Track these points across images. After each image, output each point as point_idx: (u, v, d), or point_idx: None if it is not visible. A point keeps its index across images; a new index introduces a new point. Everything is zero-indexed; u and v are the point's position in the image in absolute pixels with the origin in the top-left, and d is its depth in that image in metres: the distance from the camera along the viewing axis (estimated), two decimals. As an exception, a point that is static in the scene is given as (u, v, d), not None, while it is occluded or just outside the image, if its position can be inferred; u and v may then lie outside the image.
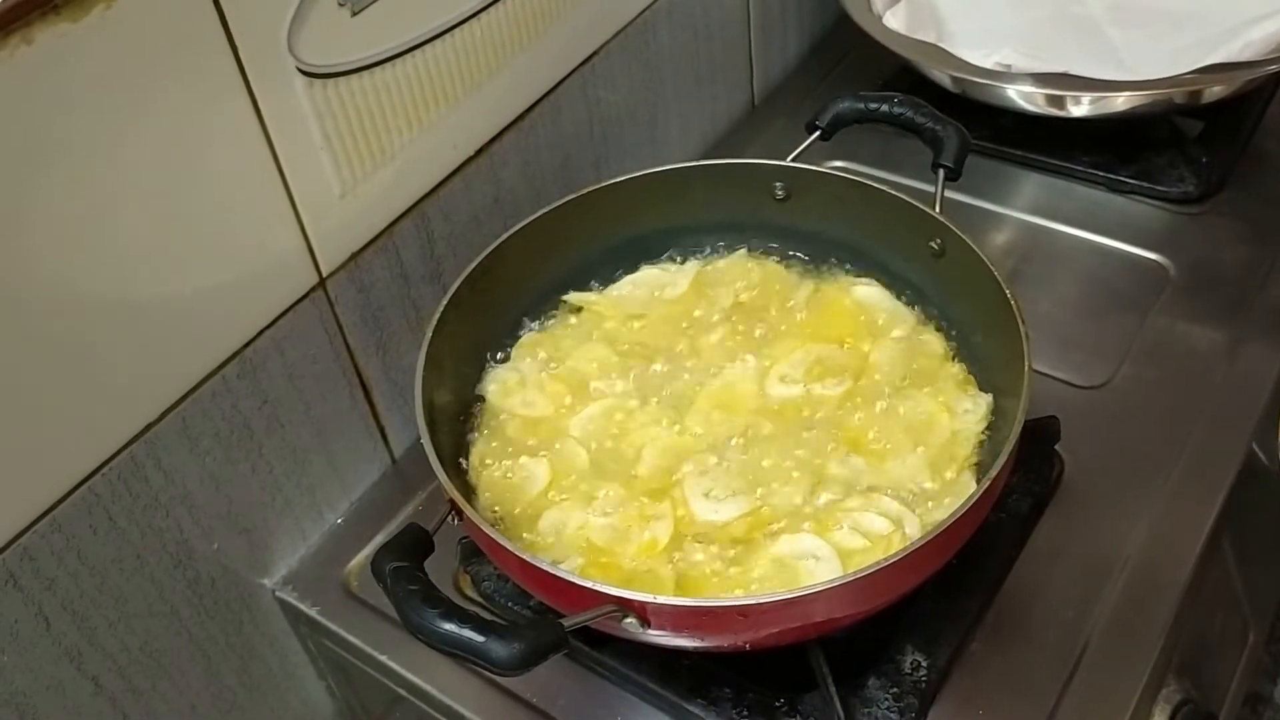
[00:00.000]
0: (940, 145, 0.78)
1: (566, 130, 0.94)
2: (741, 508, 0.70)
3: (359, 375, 0.83)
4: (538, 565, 0.61)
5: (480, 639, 0.54)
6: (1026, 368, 0.66)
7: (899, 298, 0.82)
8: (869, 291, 0.83)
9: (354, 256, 0.78)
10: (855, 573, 0.58)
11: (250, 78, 0.66)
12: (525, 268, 0.81)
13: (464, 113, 0.82)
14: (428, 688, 0.75)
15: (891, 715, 0.68)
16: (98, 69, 0.58)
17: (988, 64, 1.00)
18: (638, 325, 0.83)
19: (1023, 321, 0.68)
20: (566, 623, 0.57)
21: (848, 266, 0.85)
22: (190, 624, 0.76)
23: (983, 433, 0.73)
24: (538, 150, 0.91)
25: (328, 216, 0.75)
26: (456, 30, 0.78)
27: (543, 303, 0.84)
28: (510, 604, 0.76)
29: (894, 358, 0.78)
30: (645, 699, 0.72)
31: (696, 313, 0.83)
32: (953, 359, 0.78)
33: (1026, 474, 0.78)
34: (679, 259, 0.87)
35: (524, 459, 0.75)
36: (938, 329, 0.80)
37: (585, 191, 0.81)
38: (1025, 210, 1.02)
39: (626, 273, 0.86)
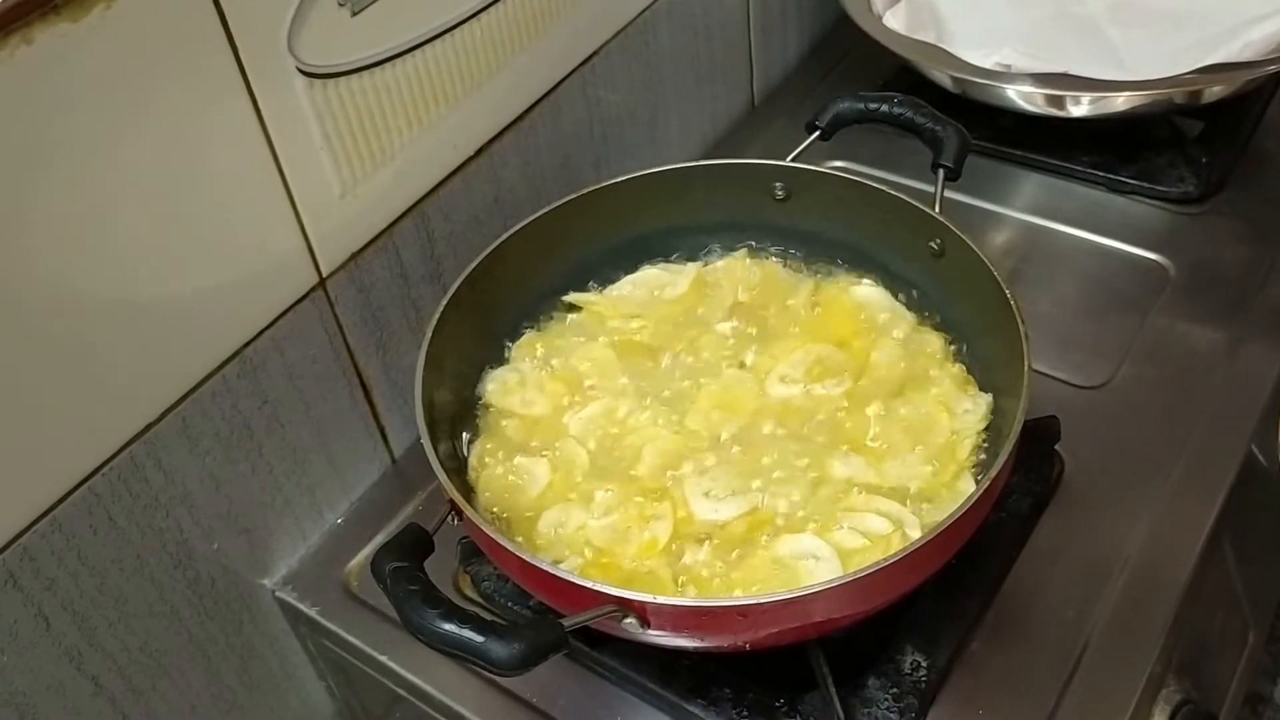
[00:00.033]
0: (940, 145, 0.78)
1: (566, 130, 0.94)
2: (741, 507, 0.70)
3: (359, 375, 0.83)
4: (538, 565, 0.61)
5: (480, 639, 0.54)
6: (1026, 368, 0.66)
7: (899, 298, 0.82)
8: (869, 291, 0.83)
9: (354, 256, 0.78)
10: (855, 573, 0.58)
11: (250, 78, 0.66)
12: (525, 268, 0.81)
13: (464, 113, 0.82)
14: (428, 688, 0.75)
15: (891, 715, 0.68)
16: (98, 69, 0.58)
17: (988, 64, 1.00)
18: (638, 325, 0.83)
19: (1023, 321, 0.68)
20: (566, 623, 0.57)
21: (848, 266, 0.85)
22: (190, 624, 0.76)
23: (983, 433, 0.73)
24: (538, 150, 0.91)
25: (328, 216, 0.75)
26: (456, 30, 0.78)
27: (543, 303, 0.84)
28: (510, 604, 0.76)
29: (894, 358, 0.78)
30: (645, 699, 0.72)
31: (697, 313, 0.83)
32: (953, 359, 0.78)
33: (1026, 474, 0.78)
34: (679, 259, 0.87)
35: (524, 459, 0.75)
36: (938, 329, 0.80)
37: (585, 191, 0.81)
38: (1025, 210, 1.02)
39: (626, 273, 0.86)
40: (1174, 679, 0.76)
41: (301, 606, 0.80)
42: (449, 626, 0.54)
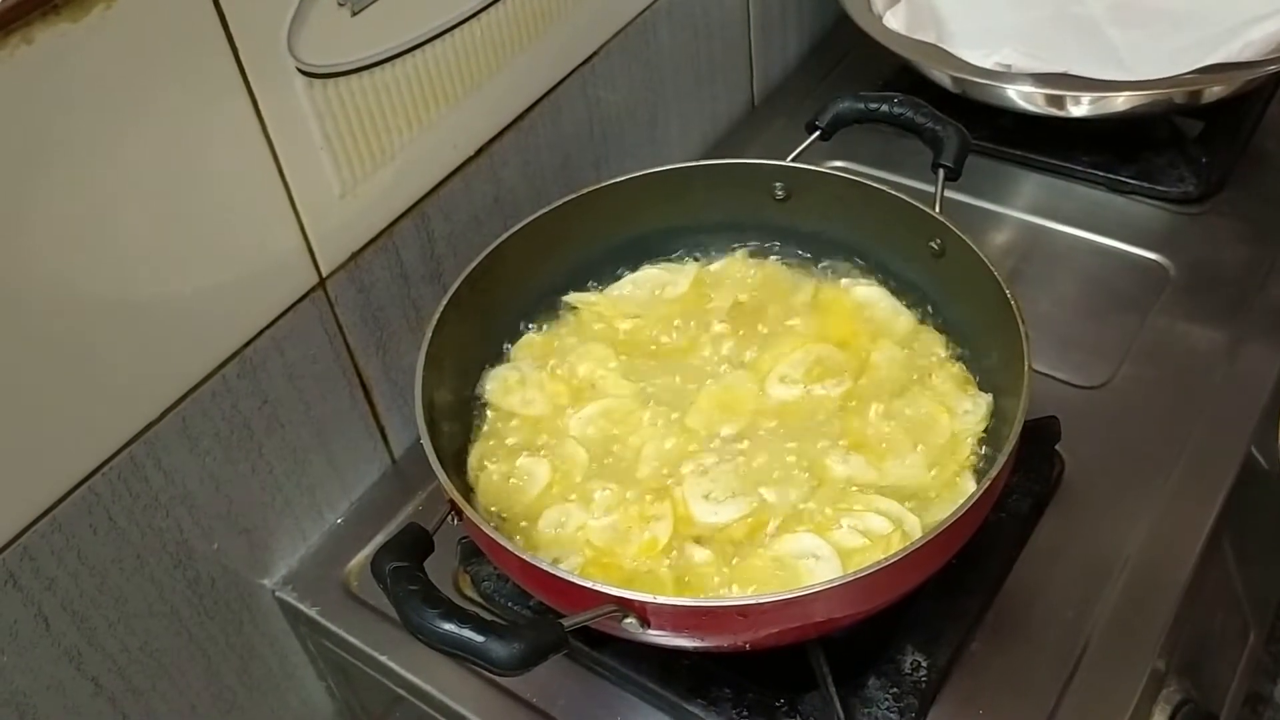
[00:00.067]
0: (940, 145, 0.78)
1: (566, 130, 0.94)
2: (741, 510, 0.70)
3: (359, 375, 0.83)
4: (538, 565, 0.61)
5: (480, 639, 0.54)
6: (1026, 368, 0.66)
7: (899, 298, 0.82)
8: (869, 291, 0.83)
9: (354, 256, 0.78)
10: (855, 572, 0.58)
11: (250, 78, 0.66)
12: (525, 268, 0.81)
13: (464, 113, 0.82)
14: (428, 688, 0.75)
15: (891, 715, 0.68)
16: (98, 69, 0.58)
17: (988, 64, 1.00)
18: (638, 325, 0.83)
19: (1023, 321, 0.68)
20: (566, 623, 0.57)
21: (848, 266, 0.85)
22: (190, 624, 0.76)
23: (983, 433, 0.73)
24: (538, 150, 0.91)
25: (328, 216, 0.75)
26: (456, 30, 0.78)
27: (543, 303, 0.84)
28: (510, 604, 0.76)
29: (894, 358, 0.78)
30: (645, 699, 0.72)
31: (697, 312, 0.83)
32: (953, 359, 0.78)
33: (1026, 474, 0.78)
34: (679, 259, 0.87)
35: (524, 459, 0.75)
36: (938, 329, 0.80)
37: (585, 191, 0.81)
38: (1025, 210, 1.02)
39: (627, 273, 0.86)
40: (1174, 679, 0.76)
41: (301, 606, 0.80)
42: (449, 626, 0.54)
